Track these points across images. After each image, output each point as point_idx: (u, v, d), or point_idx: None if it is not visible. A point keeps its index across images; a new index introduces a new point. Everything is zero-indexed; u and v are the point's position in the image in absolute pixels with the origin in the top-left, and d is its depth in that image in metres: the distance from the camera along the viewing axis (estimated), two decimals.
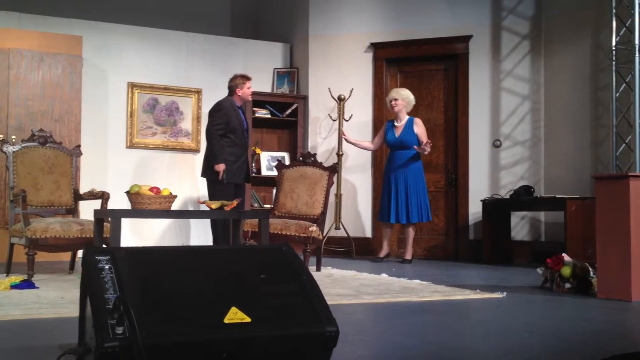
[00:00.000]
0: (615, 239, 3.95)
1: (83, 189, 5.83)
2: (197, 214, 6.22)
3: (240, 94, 6.35)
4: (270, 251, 2.21)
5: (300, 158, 6.30)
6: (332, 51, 7.89)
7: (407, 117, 6.81)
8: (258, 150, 7.90)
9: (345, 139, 7.11)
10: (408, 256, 6.73)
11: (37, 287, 4.15)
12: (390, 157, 6.83)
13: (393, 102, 6.80)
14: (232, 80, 6.40)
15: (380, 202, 6.87)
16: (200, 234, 7.57)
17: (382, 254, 6.80)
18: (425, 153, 6.69)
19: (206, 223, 7.05)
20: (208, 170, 6.23)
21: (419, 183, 6.68)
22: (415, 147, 6.62)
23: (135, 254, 2.00)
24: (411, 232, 6.72)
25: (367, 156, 7.63)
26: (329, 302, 2.08)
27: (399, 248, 7.50)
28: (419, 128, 6.75)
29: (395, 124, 6.83)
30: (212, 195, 6.16)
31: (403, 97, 6.79)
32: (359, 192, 7.72)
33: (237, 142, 6.27)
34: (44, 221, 4.87)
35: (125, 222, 6.66)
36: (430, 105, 7.62)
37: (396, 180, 6.67)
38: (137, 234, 7.29)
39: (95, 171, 7.13)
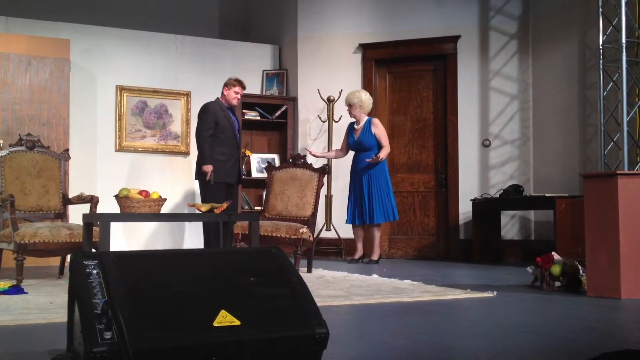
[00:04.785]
0: (604, 237, 3.97)
1: (72, 193, 5.81)
2: (186, 217, 6.18)
3: (225, 93, 6.34)
4: (260, 254, 2.20)
5: (290, 160, 6.29)
6: (321, 52, 7.89)
7: (365, 118, 6.79)
8: (248, 152, 7.89)
9: (312, 154, 6.91)
10: (374, 257, 6.71)
11: (26, 293, 4.13)
12: (354, 159, 6.82)
13: (347, 109, 6.80)
14: (227, 80, 6.42)
15: (347, 205, 6.85)
16: (193, 236, 7.54)
17: (357, 255, 6.82)
18: (379, 161, 6.59)
19: (198, 226, 7.03)
20: (200, 172, 6.21)
21: (382, 183, 6.63)
22: (367, 160, 6.56)
23: (123, 258, 1.99)
24: (376, 233, 6.68)
25: None
26: (319, 304, 2.08)
27: (389, 249, 7.53)
28: (377, 129, 6.70)
29: (355, 126, 6.82)
30: (204, 196, 6.14)
31: (354, 103, 6.73)
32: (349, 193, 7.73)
33: (227, 141, 6.25)
34: (32, 226, 4.84)
35: (115, 226, 6.62)
36: (419, 105, 7.63)
37: (360, 182, 6.66)
38: (126, 237, 7.26)
39: (84, 175, 7.10)
